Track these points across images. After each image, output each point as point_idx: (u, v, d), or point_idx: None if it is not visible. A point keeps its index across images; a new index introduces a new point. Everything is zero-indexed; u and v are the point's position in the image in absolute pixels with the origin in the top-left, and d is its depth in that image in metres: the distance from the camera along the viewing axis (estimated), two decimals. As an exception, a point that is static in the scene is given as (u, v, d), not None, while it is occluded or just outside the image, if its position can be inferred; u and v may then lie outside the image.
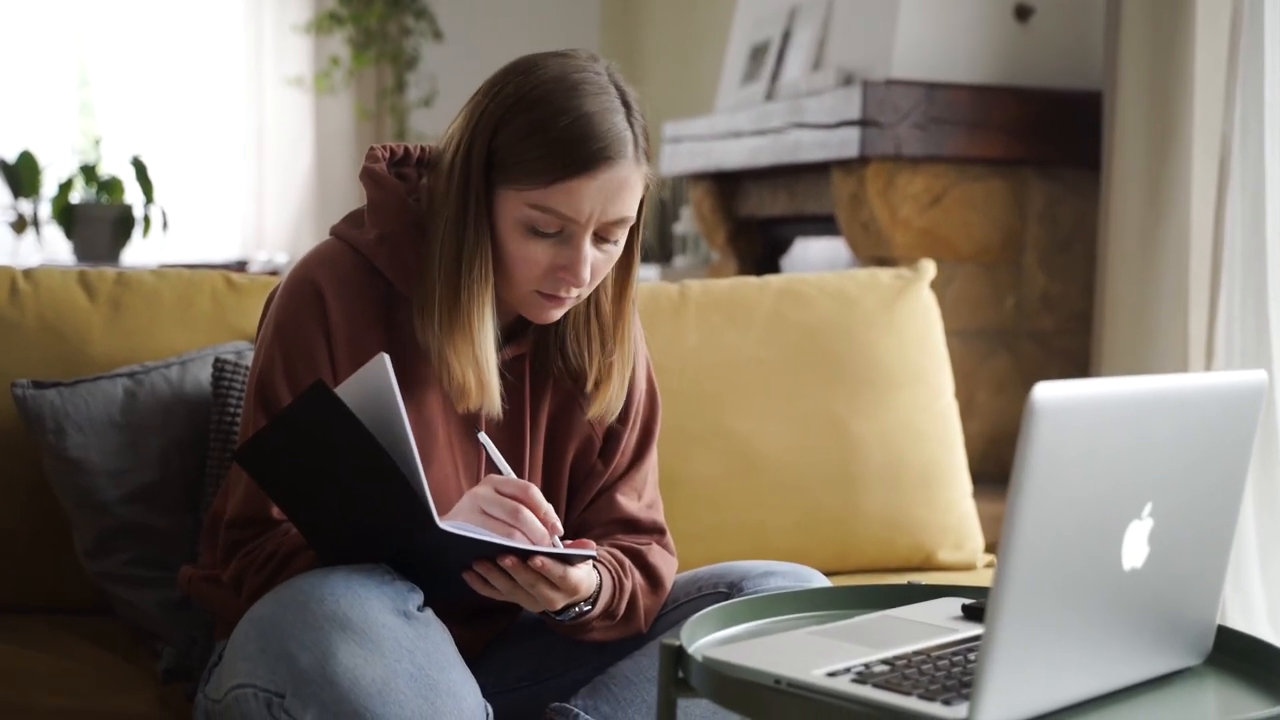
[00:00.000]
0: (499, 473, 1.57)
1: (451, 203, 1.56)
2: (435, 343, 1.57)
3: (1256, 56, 2.85)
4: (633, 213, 1.57)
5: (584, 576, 1.53)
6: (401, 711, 1.39)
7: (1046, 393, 1.05)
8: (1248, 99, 2.88)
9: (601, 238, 1.57)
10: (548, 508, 1.50)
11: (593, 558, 1.53)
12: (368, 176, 1.64)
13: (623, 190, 1.54)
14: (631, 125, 1.55)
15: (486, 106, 1.56)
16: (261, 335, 1.65)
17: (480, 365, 1.57)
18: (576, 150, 1.51)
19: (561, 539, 1.54)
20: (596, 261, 1.58)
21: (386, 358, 1.42)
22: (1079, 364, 3.53)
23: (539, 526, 1.49)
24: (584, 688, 1.65)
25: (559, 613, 1.58)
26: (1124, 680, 1.23)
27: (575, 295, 1.59)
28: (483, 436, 1.57)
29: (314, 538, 1.52)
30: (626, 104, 1.56)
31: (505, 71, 1.58)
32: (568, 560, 1.49)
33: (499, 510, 1.49)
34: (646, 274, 5.05)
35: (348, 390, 1.43)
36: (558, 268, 1.56)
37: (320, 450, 1.44)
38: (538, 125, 1.52)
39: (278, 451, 1.45)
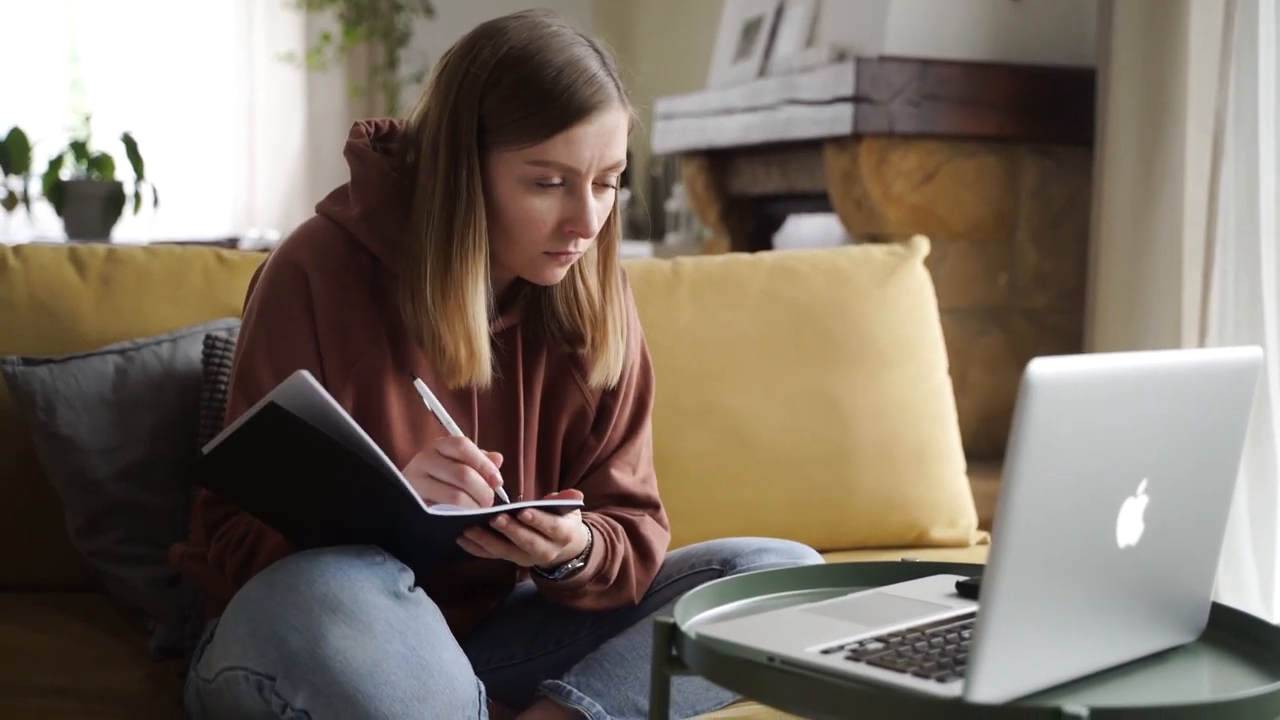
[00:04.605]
0: (469, 437, 1.56)
1: (440, 175, 1.55)
2: (426, 319, 1.56)
3: (1251, 32, 2.85)
4: (624, 156, 1.59)
5: (574, 526, 1.54)
6: (393, 692, 1.39)
7: (1042, 369, 1.05)
8: (1242, 75, 2.87)
9: (599, 185, 1.58)
10: (484, 460, 1.50)
11: (580, 506, 1.54)
12: (351, 153, 1.64)
13: (616, 133, 1.56)
14: (609, 71, 1.57)
15: (466, 73, 1.55)
16: (245, 318, 1.64)
17: (472, 335, 1.57)
18: (570, 99, 1.52)
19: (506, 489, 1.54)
20: (598, 211, 1.58)
21: (305, 373, 1.37)
22: (1072, 341, 3.52)
23: (483, 485, 1.49)
24: (577, 664, 1.65)
25: (551, 571, 1.58)
26: (1118, 657, 1.23)
27: (581, 250, 1.60)
28: (419, 384, 1.56)
29: (289, 532, 1.51)
30: (598, 51, 1.58)
31: (473, 38, 1.58)
32: (556, 510, 1.50)
33: (442, 473, 1.49)
34: (639, 251, 5.04)
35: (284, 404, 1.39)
36: (564, 221, 1.56)
37: (281, 460, 1.42)
38: (525, 82, 1.53)
39: (233, 465, 1.43)
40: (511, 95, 1.53)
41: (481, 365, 1.58)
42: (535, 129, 1.52)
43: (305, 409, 1.38)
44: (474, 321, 1.56)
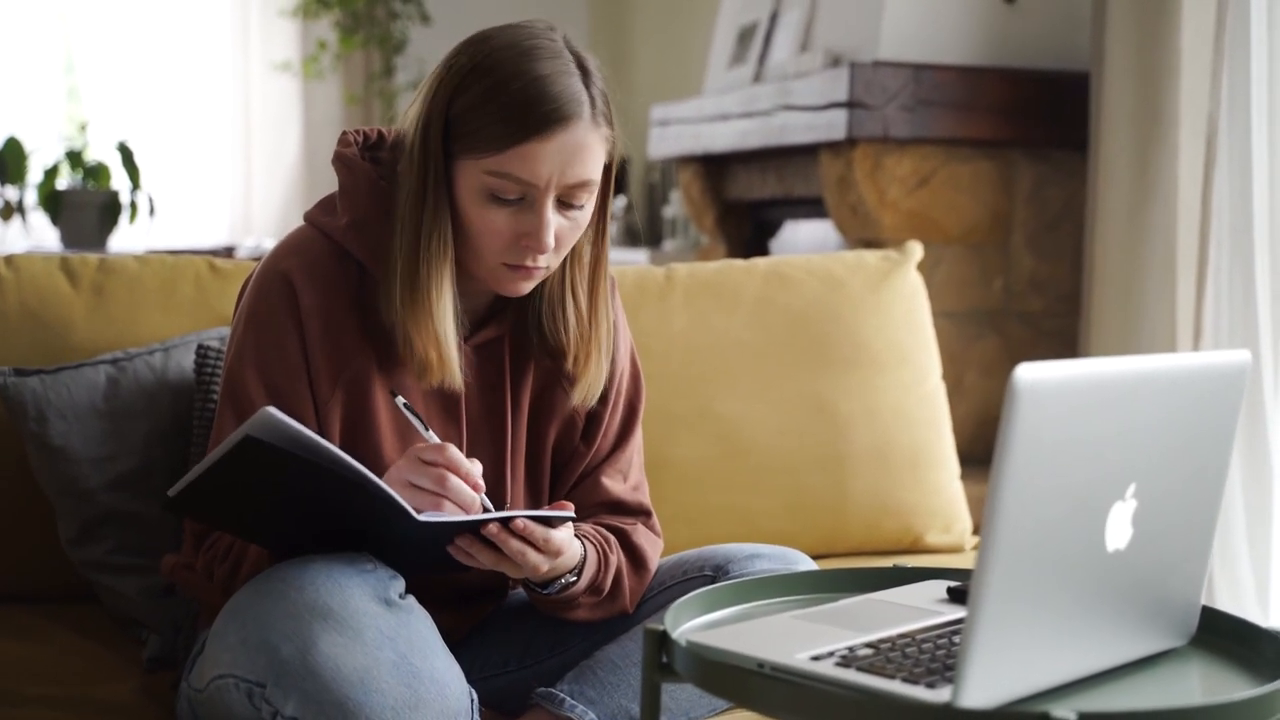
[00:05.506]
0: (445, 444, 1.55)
1: (412, 178, 1.55)
2: (398, 319, 1.56)
3: (1243, 36, 2.85)
4: (594, 176, 1.56)
5: (566, 539, 1.53)
6: (384, 700, 1.38)
7: (1029, 374, 1.05)
8: (1234, 78, 2.87)
9: (565, 203, 1.55)
10: (469, 467, 1.49)
11: (572, 518, 1.53)
12: (339, 161, 1.63)
13: (580, 152, 1.53)
14: (588, 88, 1.54)
15: (442, 79, 1.55)
16: (233, 327, 1.64)
17: (439, 339, 1.56)
18: (529, 113, 1.50)
19: (489, 496, 1.53)
20: (561, 229, 1.56)
21: (272, 409, 1.36)
22: (1068, 345, 3.52)
23: (467, 491, 1.48)
24: (570, 672, 1.64)
25: (544, 586, 1.58)
26: (1109, 662, 1.23)
27: (544, 266, 1.58)
28: (400, 400, 1.56)
29: (276, 547, 1.51)
30: (583, 68, 1.55)
31: (460, 45, 1.58)
32: (548, 522, 1.49)
33: (425, 480, 1.48)
34: (636, 258, 5.04)
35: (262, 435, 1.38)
36: (521, 235, 1.54)
37: (261, 485, 1.41)
38: (491, 91, 1.51)
39: (212, 496, 1.43)
40: (478, 103, 1.52)
41: (450, 368, 1.57)
42: (494, 139, 1.51)
43: (280, 439, 1.37)
44: (440, 325, 1.55)
